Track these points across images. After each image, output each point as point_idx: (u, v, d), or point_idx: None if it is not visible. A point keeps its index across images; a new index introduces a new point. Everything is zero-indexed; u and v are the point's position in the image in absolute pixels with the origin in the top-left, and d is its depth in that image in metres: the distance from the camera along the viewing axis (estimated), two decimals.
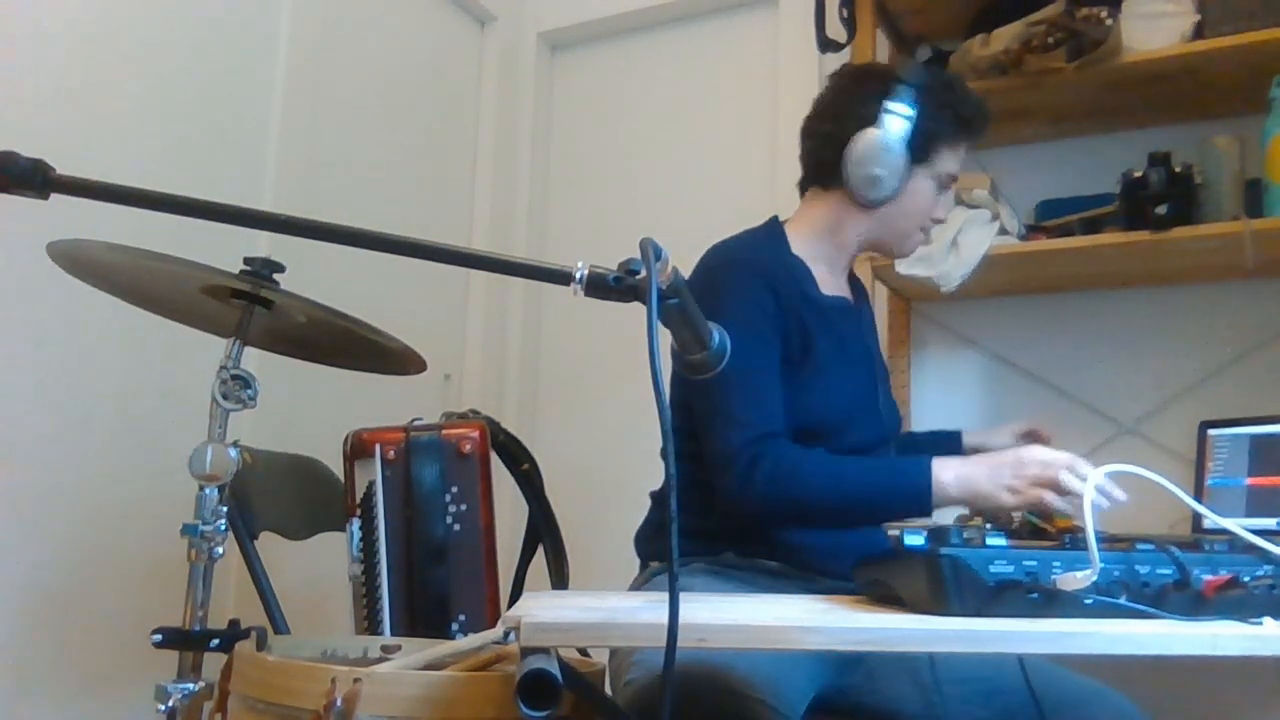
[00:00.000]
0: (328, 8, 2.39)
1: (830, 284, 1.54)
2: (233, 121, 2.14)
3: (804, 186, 1.59)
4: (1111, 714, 1.26)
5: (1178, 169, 1.92)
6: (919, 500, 1.29)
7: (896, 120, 1.44)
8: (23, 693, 1.71)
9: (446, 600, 1.52)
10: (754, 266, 1.43)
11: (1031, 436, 1.72)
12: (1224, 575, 0.83)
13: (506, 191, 2.95)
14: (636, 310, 0.85)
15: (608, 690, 1.18)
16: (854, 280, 1.65)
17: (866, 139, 1.44)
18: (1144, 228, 1.91)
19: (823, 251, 1.54)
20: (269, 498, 1.63)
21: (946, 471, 1.29)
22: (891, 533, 1.67)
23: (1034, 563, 0.82)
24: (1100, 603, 0.80)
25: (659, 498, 1.56)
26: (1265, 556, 0.85)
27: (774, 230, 1.55)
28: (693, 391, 1.39)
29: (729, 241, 1.51)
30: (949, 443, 1.78)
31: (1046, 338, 2.31)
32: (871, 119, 1.44)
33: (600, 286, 0.88)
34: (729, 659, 1.12)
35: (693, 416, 1.41)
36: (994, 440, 1.73)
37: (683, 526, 1.41)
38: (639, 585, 1.49)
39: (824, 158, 1.50)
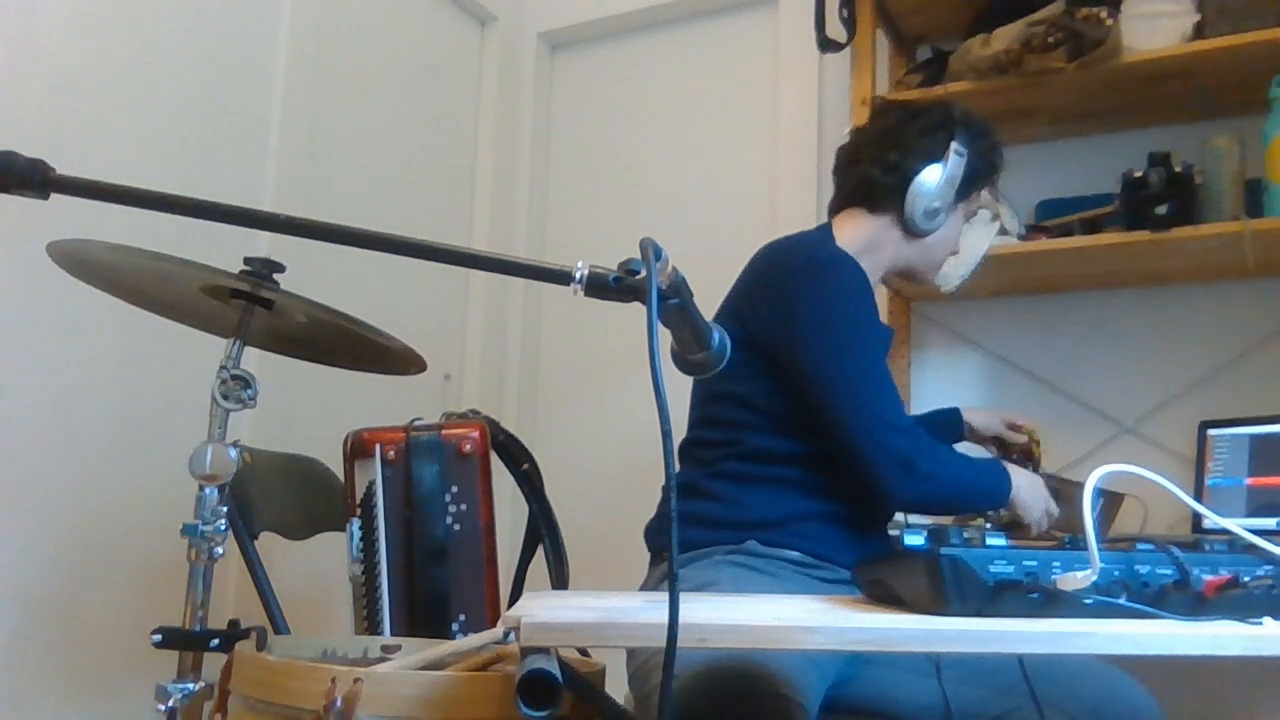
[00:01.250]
0: (328, 8, 2.39)
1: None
2: (233, 121, 2.14)
3: (843, 205, 1.63)
4: (1125, 705, 1.27)
5: (1178, 169, 1.92)
6: (1005, 495, 1.48)
7: (958, 159, 1.56)
8: (23, 693, 1.71)
9: (446, 600, 1.52)
10: (857, 266, 1.50)
11: (1013, 428, 1.82)
12: (1224, 575, 0.83)
13: (506, 191, 2.95)
14: (636, 310, 0.85)
15: (606, 689, 1.18)
16: None
17: (933, 174, 1.55)
18: (1144, 228, 1.91)
19: (866, 267, 1.58)
20: (269, 498, 1.63)
21: (1018, 476, 1.49)
22: (891, 533, 1.68)
23: (1034, 563, 0.82)
24: (1100, 603, 0.80)
25: (679, 492, 1.56)
26: (1265, 556, 0.85)
27: (829, 238, 1.60)
28: (815, 386, 1.41)
29: (809, 237, 1.57)
30: (950, 418, 1.82)
31: (1046, 338, 2.31)
32: (939, 155, 1.55)
33: (600, 286, 0.88)
34: (747, 651, 1.13)
35: (735, 405, 1.47)
36: (988, 421, 1.83)
37: (705, 515, 1.45)
38: (653, 582, 1.50)
39: (884, 183, 1.57)
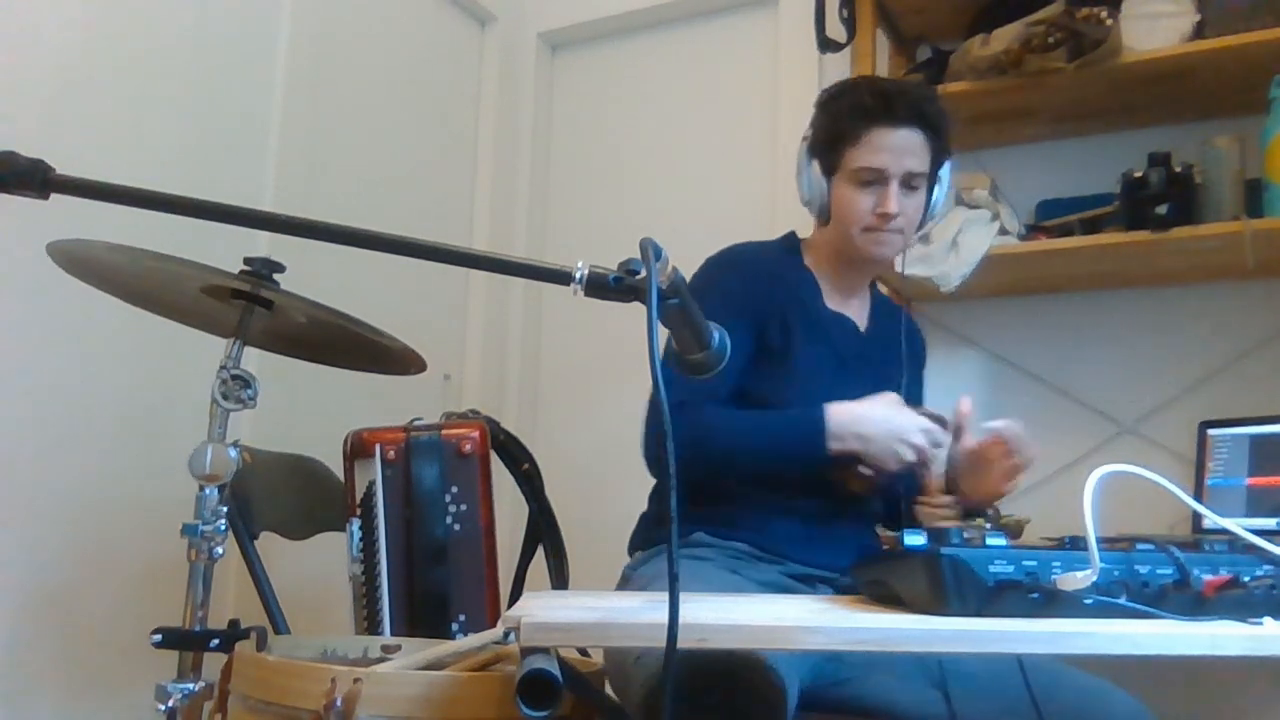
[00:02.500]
0: (328, 7, 2.39)
1: (837, 301, 1.60)
2: (233, 121, 2.14)
3: None
4: (1118, 713, 1.26)
5: (1178, 169, 1.92)
6: (813, 437, 1.39)
7: (813, 133, 1.55)
8: (23, 693, 1.71)
9: (446, 600, 1.52)
10: (734, 264, 1.53)
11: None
12: (1224, 575, 0.83)
13: (506, 191, 2.95)
14: (636, 310, 0.85)
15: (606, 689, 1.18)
16: (884, 309, 1.68)
17: (802, 159, 1.56)
18: (1144, 228, 1.91)
19: (826, 269, 1.60)
20: (269, 498, 1.63)
21: (842, 412, 1.40)
22: (889, 534, 1.67)
23: (1034, 563, 0.82)
24: (1100, 603, 0.80)
25: (651, 493, 1.59)
26: (1265, 556, 0.85)
27: (789, 242, 1.64)
28: None
29: (736, 244, 1.60)
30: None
31: (1046, 338, 2.31)
32: (807, 138, 1.56)
33: (600, 286, 0.88)
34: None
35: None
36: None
37: (654, 513, 1.55)
38: (625, 581, 1.51)
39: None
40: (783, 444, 1.42)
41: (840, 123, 1.51)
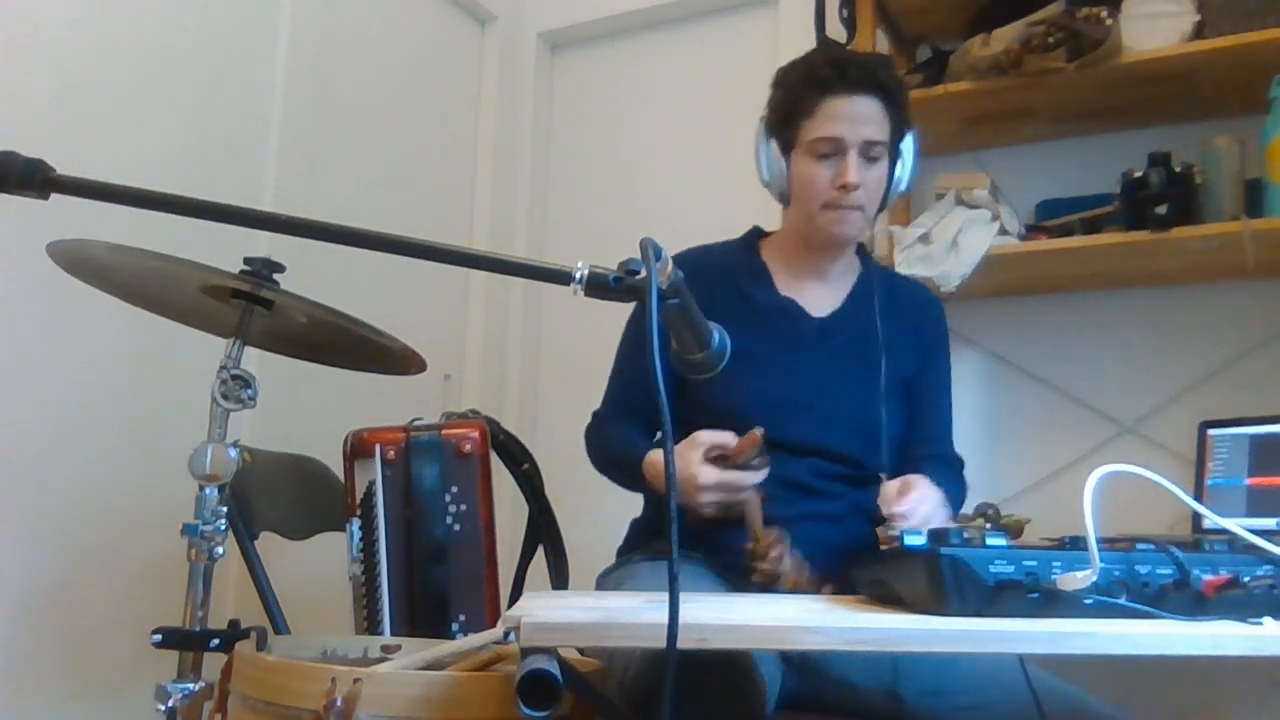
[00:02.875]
0: (328, 7, 2.39)
1: (792, 287, 1.56)
2: (233, 121, 2.14)
3: None
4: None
5: (1178, 169, 1.92)
6: (637, 474, 1.48)
7: (763, 123, 1.54)
8: (23, 693, 1.71)
9: (446, 600, 1.52)
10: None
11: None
12: (1224, 575, 0.83)
13: (506, 191, 2.95)
14: None
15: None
16: (890, 293, 1.59)
17: (760, 141, 1.55)
18: (1144, 228, 1.91)
19: (788, 255, 1.58)
20: (269, 498, 1.63)
21: (654, 455, 1.45)
22: (890, 534, 1.67)
23: (1034, 563, 0.82)
24: (1100, 603, 0.80)
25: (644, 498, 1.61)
26: (1265, 556, 0.85)
27: (748, 237, 1.64)
28: None
29: (688, 248, 1.61)
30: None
31: (1046, 338, 2.31)
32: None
33: (600, 286, 0.88)
34: None
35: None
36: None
37: (640, 520, 1.61)
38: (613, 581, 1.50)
39: None
40: (636, 483, 1.51)
41: (794, 96, 1.48)
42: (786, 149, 1.50)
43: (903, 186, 1.53)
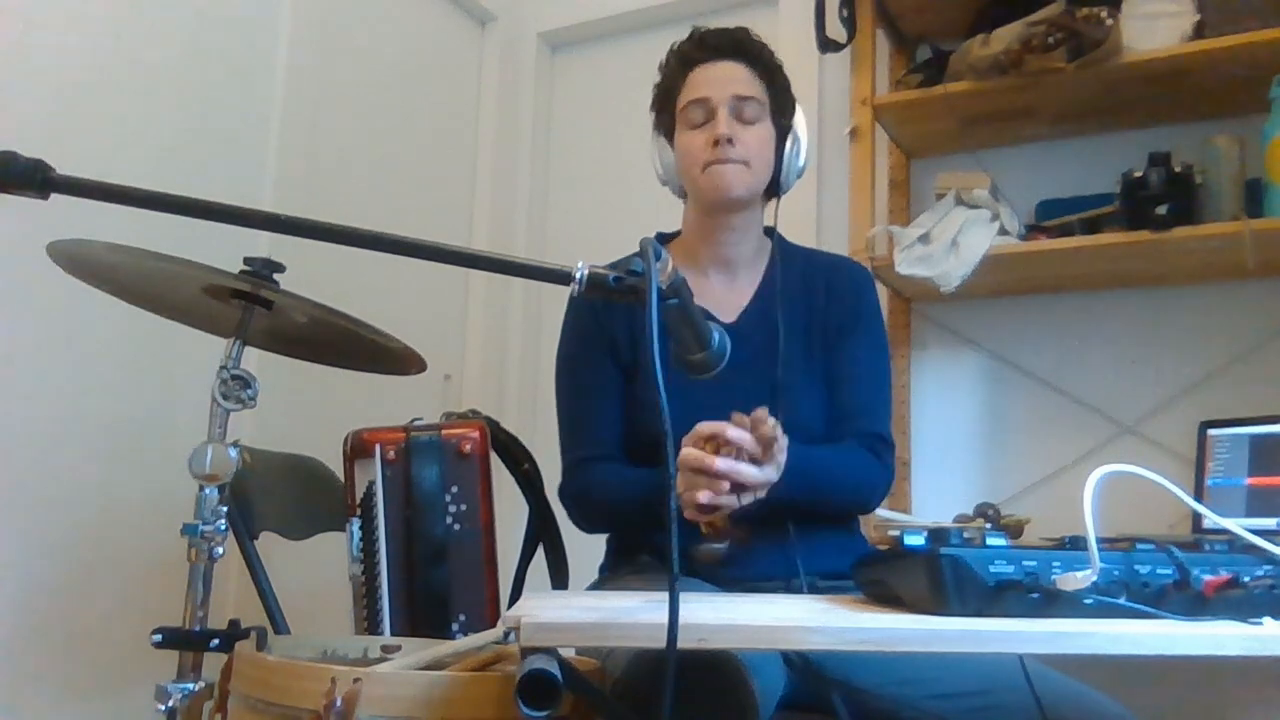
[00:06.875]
0: (328, 8, 2.39)
1: (700, 286, 1.51)
2: (233, 121, 2.14)
3: None
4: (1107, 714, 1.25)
5: (1178, 169, 1.92)
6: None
7: (651, 127, 1.57)
8: (23, 693, 1.71)
9: (446, 600, 1.52)
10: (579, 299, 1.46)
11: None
12: (1224, 575, 0.83)
13: (506, 191, 2.95)
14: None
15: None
16: (794, 276, 1.52)
17: (650, 156, 1.58)
18: (1144, 228, 1.91)
19: (691, 250, 1.57)
20: (269, 498, 1.63)
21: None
22: (891, 534, 1.67)
23: (1034, 563, 0.82)
24: (1100, 603, 0.80)
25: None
26: (1265, 556, 0.85)
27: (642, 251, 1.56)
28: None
29: None
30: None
31: (1046, 338, 2.31)
32: None
33: (600, 286, 0.88)
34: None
35: None
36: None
37: (613, 541, 1.55)
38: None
39: None
40: (648, 508, 1.34)
41: (666, 80, 1.53)
42: (670, 136, 1.53)
43: (800, 161, 1.51)
